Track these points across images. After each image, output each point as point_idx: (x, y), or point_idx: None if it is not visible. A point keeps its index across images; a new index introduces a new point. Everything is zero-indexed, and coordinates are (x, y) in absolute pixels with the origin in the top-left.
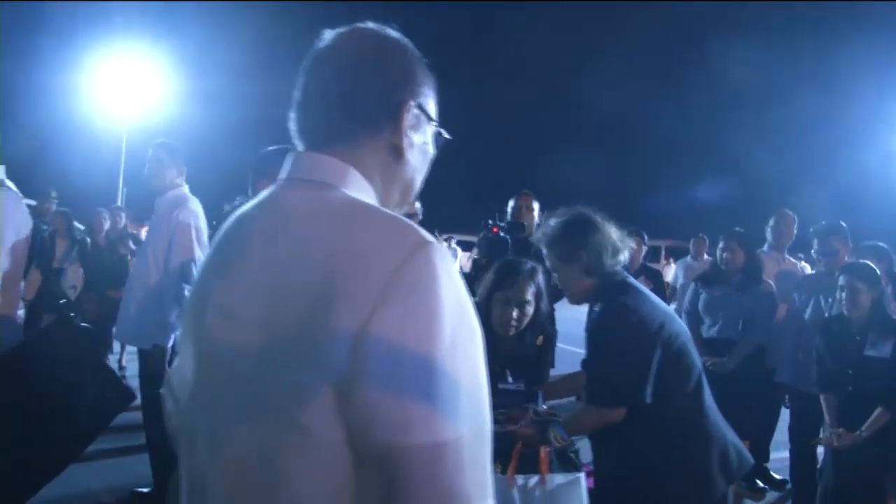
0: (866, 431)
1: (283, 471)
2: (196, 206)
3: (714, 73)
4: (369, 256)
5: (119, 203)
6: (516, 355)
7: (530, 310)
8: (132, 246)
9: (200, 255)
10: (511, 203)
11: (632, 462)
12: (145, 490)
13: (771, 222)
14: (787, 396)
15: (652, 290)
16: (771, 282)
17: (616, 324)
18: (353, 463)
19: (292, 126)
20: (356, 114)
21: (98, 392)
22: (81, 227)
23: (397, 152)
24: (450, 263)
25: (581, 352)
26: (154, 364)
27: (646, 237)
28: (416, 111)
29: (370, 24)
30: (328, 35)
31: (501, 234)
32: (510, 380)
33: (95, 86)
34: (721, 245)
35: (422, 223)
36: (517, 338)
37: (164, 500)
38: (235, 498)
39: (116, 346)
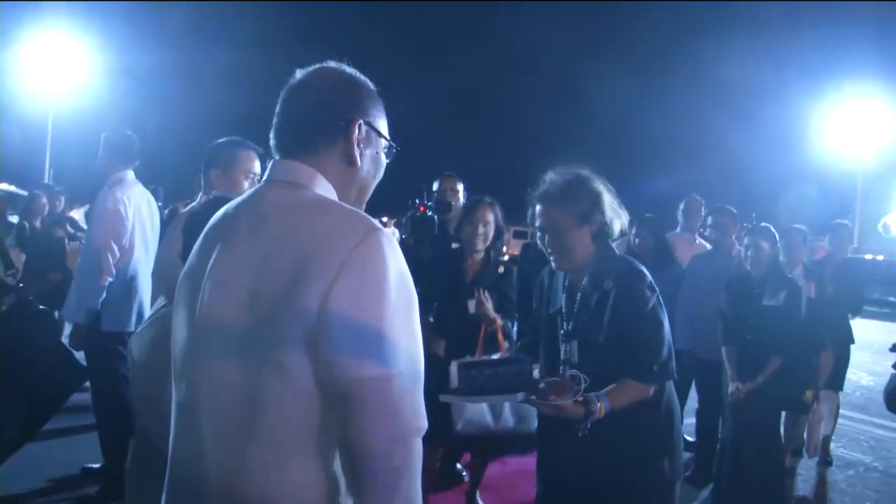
0: (762, 378)
1: (262, 403)
2: (126, 190)
3: (655, 65)
4: (333, 239)
5: (48, 181)
6: (483, 276)
7: (491, 229)
8: (69, 229)
9: (116, 238)
10: (436, 185)
11: (630, 434)
12: (95, 466)
13: (682, 206)
14: None
15: (522, 274)
16: (682, 261)
17: (649, 297)
18: (320, 395)
19: (271, 141)
20: (317, 130)
21: (56, 371)
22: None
23: (350, 160)
24: (394, 245)
25: None
26: (76, 342)
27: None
28: (365, 128)
29: (331, 64)
30: (299, 73)
31: (429, 212)
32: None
33: (21, 65)
34: (633, 231)
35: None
36: (483, 261)
37: (112, 477)
38: (223, 429)
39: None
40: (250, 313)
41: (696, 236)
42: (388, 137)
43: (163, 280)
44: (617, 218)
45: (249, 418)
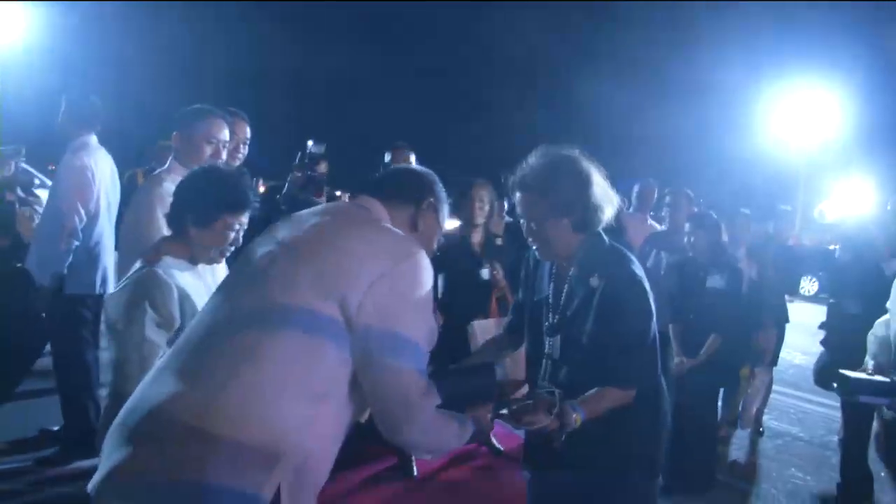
0: (704, 355)
1: (260, 354)
2: (91, 154)
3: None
4: (390, 248)
5: None
6: (487, 248)
7: (487, 205)
8: (20, 193)
9: (83, 201)
10: (388, 156)
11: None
12: (54, 428)
13: (636, 189)
14: None
15: (515, 248)
16: (633, 241)
17: (634, 296)
18: (325, 345)
19: (369, 184)
20: (399, 193)
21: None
22: None
23: (414, 224)
24: (427, 264)
25: None
26: (39, 305)
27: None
28: (431, 208)
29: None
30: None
31: None
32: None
33: None
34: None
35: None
36: (483, 233)
37: (72, 437)
38: (210, 371)
39: None
40: (297, 276)
41: (648, 217)
42: (442, 224)
43: (138, 243)
44: (608, 204)
45: (241, 363)
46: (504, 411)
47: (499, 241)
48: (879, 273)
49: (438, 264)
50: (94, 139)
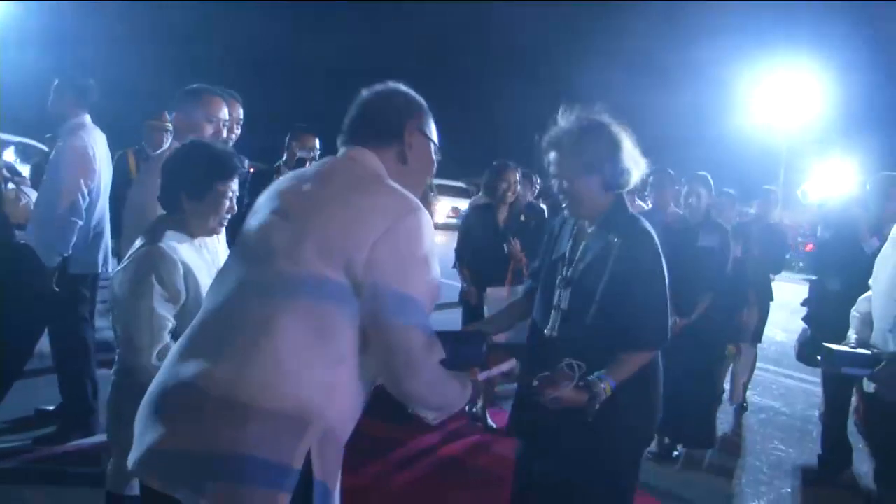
0: (695, 314)
1: (275, 324)
2: (90, 134)
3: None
4: (388, 206)
5: None
6: (511, 224)
7: (516, 186)
8: (6, 174)
9: (85, 181)
10: (290, 139)
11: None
12: (49, 408)
13: None
14: None
15: (534, 226)
16: None
17: (651, 258)
18: (325, 325)
19: (343, 130)
20: (378, 136)
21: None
22: None
23: (403, 158)
24: (428, 219)
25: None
26: (44, 285)
27: (537, 178)
28: (416, 133)
29: (390, 84)
30: (367, 90)
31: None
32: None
33: None
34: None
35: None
36: (510, 211)
37: (70, 416)
38: (234, 345)
39: None
40: (300, 244)
41: (635, 197)
42: (435, 140)
43: (140, 222)
44: (636, 168)
45: (259, 337)
46: (534, 383)
47: (523, 218)
48: (860, 251)
49: (464, 236)
50: (88, 118)
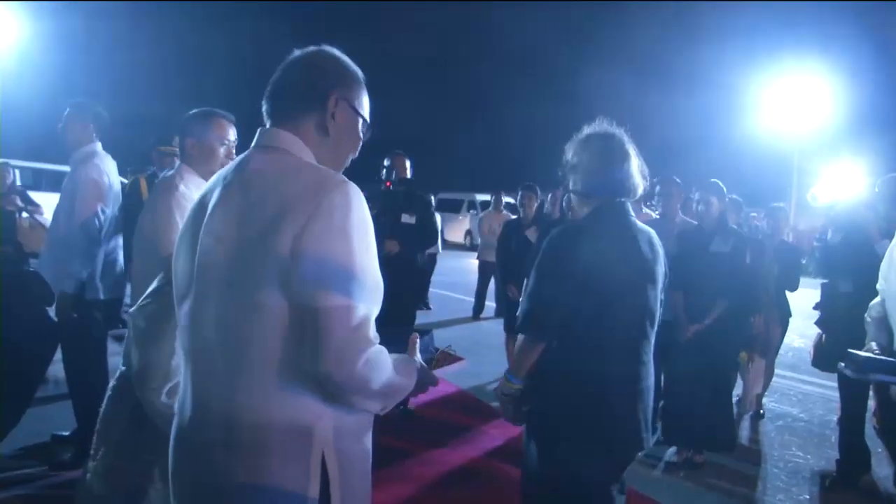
0: (709, 320)
1: (249, 340)
2: (104, 162)
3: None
4: (305, 192)
5: None
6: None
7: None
8: (19, 203)
9: (102, 208)
10: (387, 161)
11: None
12: (65, 433)
13: None
14: None
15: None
16: None
17: (551, 253)
18: (290, 323)
19: (263, 108)
20: (298, 101)
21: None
22: None
23: (324, 130)
24: (359, 196)
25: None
26: (62, 311)
27: (538, 191)
28: (342, 103)
29: (325, 47)
30: (296, 51)
31: (392, 188)
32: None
33: None
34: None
35: None
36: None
37: (82, 443)
38: (219, 366)
39: None
40: (237, 262)
41: (643, 205)
42: (364, 114)
43: (156, 249)
44: (641, 181)
45: (239, 354)
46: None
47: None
48: (871, 253)
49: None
50: (99, 146)
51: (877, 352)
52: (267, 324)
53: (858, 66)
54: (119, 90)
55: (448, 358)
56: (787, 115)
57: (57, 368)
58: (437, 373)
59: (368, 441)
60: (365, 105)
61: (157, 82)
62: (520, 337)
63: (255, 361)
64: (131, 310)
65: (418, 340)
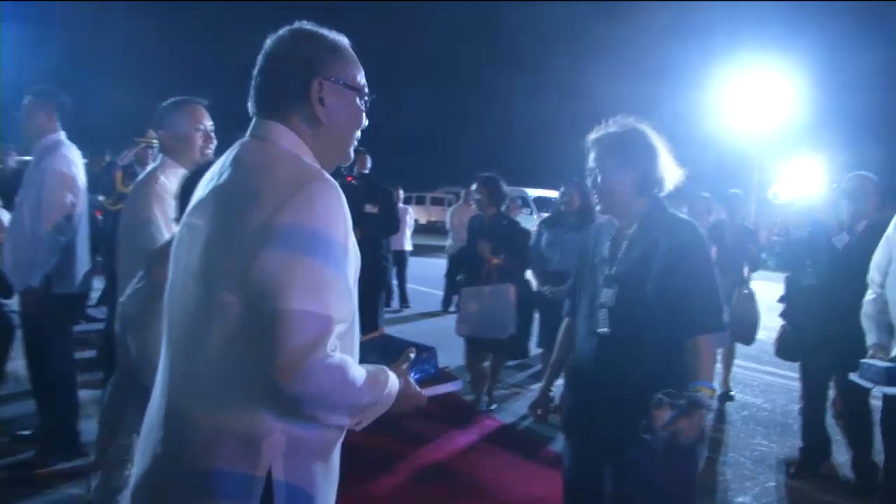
0: None
1: (207, 339)
2: (69, 152)
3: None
4: (280, 184)
5: None
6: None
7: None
8: None
9: (71, 199)
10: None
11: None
12: (26, 433)
13: None
14: None
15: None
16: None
17: (699, 245)
18: (249, 327)
19: (249, 102)
20: (281, 96)
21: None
22: None
23: (315, 120)
24: (332, 192)
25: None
26: (29, 305)
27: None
28: (328, 83)
29: (298, 25)
30: (269, 40)
31: (353, 182)
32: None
33: None
34: (562, 190)
35: None
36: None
37: (51, 438)
38: (180, 363)
39: None
40: (206, 256)
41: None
42: (357, 86)
43: (139, 241)
44: (670, 175)
45: (197, 352)
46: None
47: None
48: (830, 246)
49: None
50: (63, 135)
51: (883, 356)
52: (225, 326)
53: (819, 65)
54: (83, 78)
55: (443, 377)
56: (748, 113)
57: (17, 365)
58: (427, 392)
59: (334, 459)
60: (354, 74)
61: (123, 70)
62: (705, 338)
63: (210, 363)
64: (120, 299)
65: (412, 356)
